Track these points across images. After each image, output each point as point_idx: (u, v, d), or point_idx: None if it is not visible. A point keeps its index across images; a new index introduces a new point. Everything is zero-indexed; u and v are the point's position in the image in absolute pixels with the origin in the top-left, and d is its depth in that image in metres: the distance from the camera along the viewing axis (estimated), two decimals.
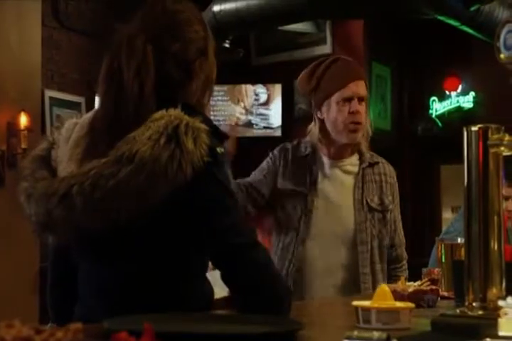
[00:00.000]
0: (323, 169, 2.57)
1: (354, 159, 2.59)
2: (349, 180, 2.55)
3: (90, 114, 1.58)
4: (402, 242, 2.64)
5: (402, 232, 2.66)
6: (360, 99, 2.50)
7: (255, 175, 2.61)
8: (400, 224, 2.64)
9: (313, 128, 2.59)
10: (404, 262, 2.66)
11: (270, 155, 2.63)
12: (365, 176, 2.55)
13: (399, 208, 2.64)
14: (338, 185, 2.56)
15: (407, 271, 2.65)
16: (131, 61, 1.45)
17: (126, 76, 1.44)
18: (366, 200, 2.51)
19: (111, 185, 1.36)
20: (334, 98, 2.50)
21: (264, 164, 2.63)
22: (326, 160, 2.58)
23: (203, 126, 1.42)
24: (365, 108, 2.54)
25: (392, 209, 2.57)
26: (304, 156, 2.58)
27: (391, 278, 2.55)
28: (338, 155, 2.58)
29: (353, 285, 2.46)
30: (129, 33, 1.50)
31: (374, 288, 2.40)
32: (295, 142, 2.64)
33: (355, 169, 2.57)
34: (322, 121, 2.55)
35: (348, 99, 2.49)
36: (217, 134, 1.47)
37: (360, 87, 2.51)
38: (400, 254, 2.64)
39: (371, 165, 2.58)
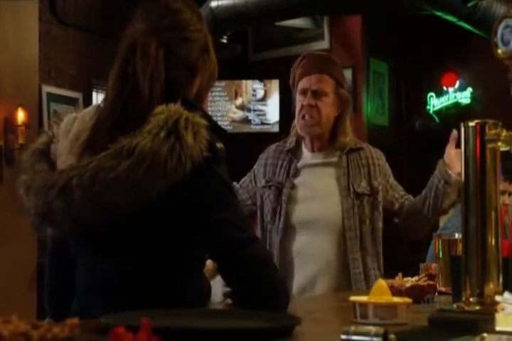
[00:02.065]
0: (304, 161, 2.62)
1: (335, 151, 2.60)
2: (331, 171, 2.58)
3: (90, 108, 1.58)
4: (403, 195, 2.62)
5: (403, 192, 2.63)
6: (316, 94, 2.55)
7: (242, 182, 2.73)
8: (398, 187, 2.63)
9: (294, 123, 2.67)
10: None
11: (263, 153, 2.74)
12: (350, 162, 2.57)
13: (394, 181, 2.64)
14: (320, 176, 2.59)
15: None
16: (146, 68, 1.47)
17: (141, 82, 1.46)
18: (353, 186, 2.53)
19: (110, 178, 1.36)
20: (297, 92, 2.60)
21: (255, 166, 2.73)
22: (307, 153, 2.64)
23: (202, 121, 1.42)
24: (331, 102, 2.56)
25: (381, 188, 2.57)
26: (286, 151, 2.65)
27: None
28: (318, 148, 2.61)
29: (343, 271, 2.48)
30: (141, 38, 1.50)
31: (365, 272, 2.48)
32: (286, 139, 2.71)
33: (335, 159, 2.59)
34: None
35: (304, 93, 2.56)
36: (216, 130, 1.48)
37: (314, 81, 2.55)
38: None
39: (354, 150, 2.59)
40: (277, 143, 2.71)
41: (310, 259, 2.50)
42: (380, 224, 2.55)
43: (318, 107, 2.54)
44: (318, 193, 2.56)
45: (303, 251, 2.51)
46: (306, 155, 2.63)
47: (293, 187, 2.57)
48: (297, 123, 2.59)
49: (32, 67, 5.29)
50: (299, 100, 2.57)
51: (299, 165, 2.61)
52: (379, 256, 2.56)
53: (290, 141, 2.66)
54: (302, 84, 2.57)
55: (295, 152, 2.64)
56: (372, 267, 2.50)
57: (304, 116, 2.55)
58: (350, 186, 2.52)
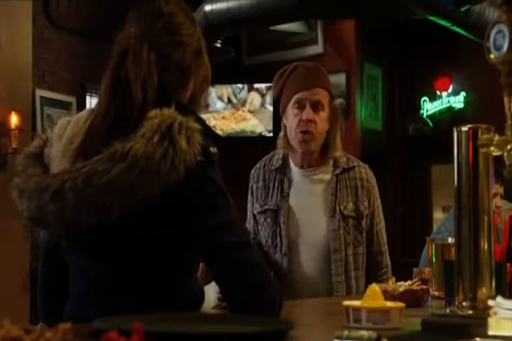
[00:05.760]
0: (293, 180, 2.54)
1: (327, 167, 2.53)
2: (320, 189, 2.50)
3: (84, 112, 1.59)
4: (382, 250, 2.56)
5: (384, 240, 2.57)
6: (315, 108, 2.45)
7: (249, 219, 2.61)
8: (381, 232, 2.56)
9: (281, 135, 2.56)
10: (385, 270, 2.56)
11: (250, 177, 2.62)
12: (339, 182, 2.49)
13: (380, 215, 2.56)
14: (308, 195, 2.51)
15: (390, 280, 2.54)
16: (138, 72, 1.47)
17: (133, 87, 1.46)
18: (339, 208, 2.46)
19: (103, 182, 1.36)
20: (290, 105, 2.49)
21: (249, 196, 2.62)
22: (295, 170, 2.54)
23: (196, 125, 1.43)
24: (326, 116, 2.47)
25: (367, 214, 2.50)
26: (275, 169, 2.56)
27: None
28: (308, 163, 2.53)
29: (326, 294, 2.41)
30: (133, 42, 1.50)
31: (348, 294, 2.40)
32: (269, 155, 2.62)
33: (328, 177, 2.51)
34: (286, 128, 2.53)
35: (300, 106, 2.46)
36: (210, 134, 1.48)
37: (314, 95, 2.45)
38: (380, 262, 2.56)
39: (346, 170, 2.51)
40: (263, 162, 2.61)
41: (300, 280, 2.45)
42: (362, 248, 2.49)
43: (316, 122, 2.44)
44: (306, 213, 2.49)
45: (297, 273, 2.47)
46: (295, 171, 2.54)
47: (287, 209, 2.48)
48: (294, 139, 2.48)
49: (25, 70, 5.29)
50: (295, 114, 2.46)
51: (290, 184, 2.52)
52: (361, 279, 2.49)
53: (276, 159, 2.57)
54: (299, 97, 2.46)
55: (283, 170, 2.54)
56: (356, 290, 2.44)
57: (302, 132, 2.45)
58: (337, 207, 2.45)
